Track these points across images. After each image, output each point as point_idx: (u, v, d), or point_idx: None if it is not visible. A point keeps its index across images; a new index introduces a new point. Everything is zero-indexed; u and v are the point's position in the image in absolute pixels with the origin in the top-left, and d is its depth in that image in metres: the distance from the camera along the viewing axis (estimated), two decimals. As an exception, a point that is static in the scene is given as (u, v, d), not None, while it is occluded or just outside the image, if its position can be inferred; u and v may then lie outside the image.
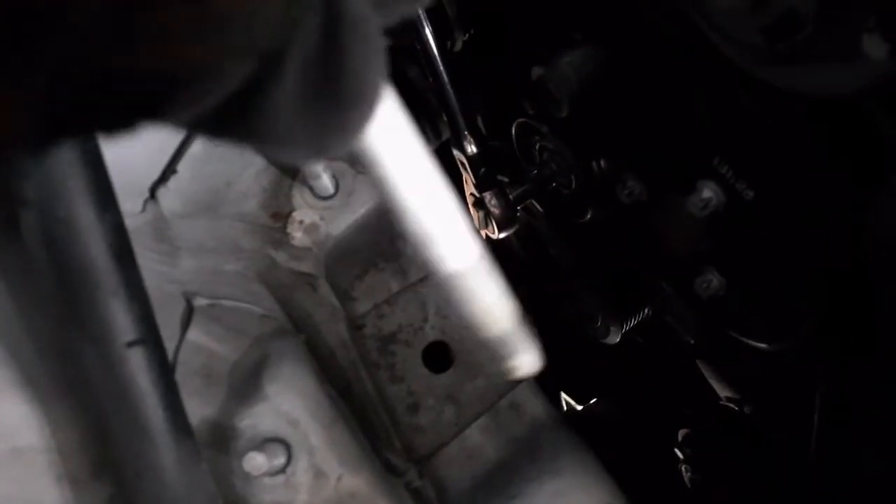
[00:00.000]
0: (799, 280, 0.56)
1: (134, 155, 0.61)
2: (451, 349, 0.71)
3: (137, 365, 0.45)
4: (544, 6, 0.73)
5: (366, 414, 0.64)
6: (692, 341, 0.82)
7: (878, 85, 0.40)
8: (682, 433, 1.01)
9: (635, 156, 0.67)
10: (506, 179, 0.97)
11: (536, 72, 0.76)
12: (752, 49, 0.46)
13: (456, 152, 0.90)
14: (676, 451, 1.01)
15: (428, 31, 0.80)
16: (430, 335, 0.72)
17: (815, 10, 0.39)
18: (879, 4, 0.34)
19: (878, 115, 0.43)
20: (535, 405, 0.68)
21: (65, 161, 0.45)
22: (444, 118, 0.89)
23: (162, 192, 0.63)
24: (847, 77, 0.41)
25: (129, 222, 0.50)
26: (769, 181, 0.53)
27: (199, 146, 0.63)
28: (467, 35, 0.91)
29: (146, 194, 0.63)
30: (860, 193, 0.47)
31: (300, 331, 0.65)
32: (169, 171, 0.63)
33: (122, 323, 0.45)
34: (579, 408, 1.25)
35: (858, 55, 0.38)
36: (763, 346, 0.64)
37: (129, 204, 0.62)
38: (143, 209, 0.63)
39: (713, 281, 0.63)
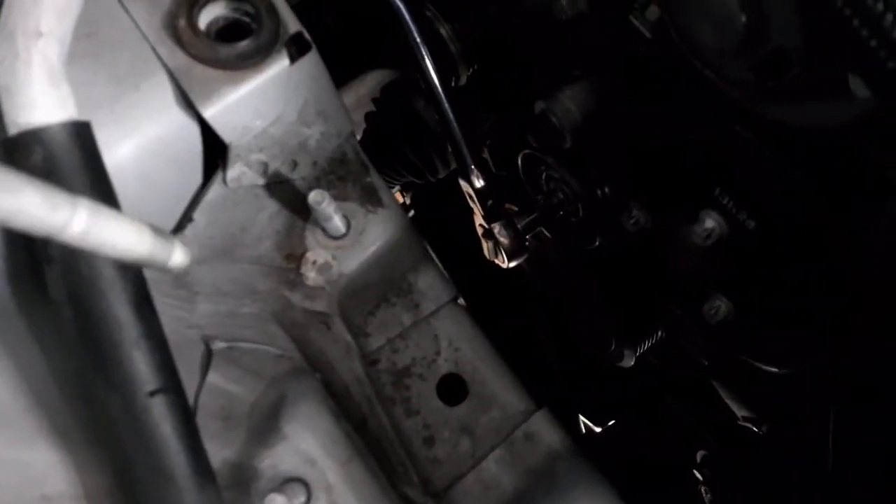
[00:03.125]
0: (803, 306, 0.57)
1: (152, 205, 0.63)
2: (465, 381, 0.72)
3: (160, 413, 0.47)
4: (545, 43, 0.75)
5: (382, 449, 0.65)
6: (706, 363, 0.82)
7: (866, 119, 0.41)
8: (700, 454, 1.01)
9: (639, 186, 0.68)
10: (514, 208, 0.99)
11: (539, 105, 0.78)
12: (745, 85, 0.47)
13: (463, 184, 0.91)
14: (695, 472, 1.00)
15: (431, 68, 0.82)
16: (444, 367, 0.73)
17: (801, 50, 0.40)
18: (857, 51, 0.35)
19: (869, 146, 0.44)
20: (550, 435, 0.69)
21: (86, 219, 0.47)
22: (451, 150, 0.91)
23: (179, 240, 0.65)
24: (837, 112, 0.42)
25: (149, 270, 0.52)
26: (769, 211, 0.54)
27: (214, 194, 0.65)
28: (471, 70, 0.93)
29: (164, 242, 0.65)
30: (858, 221, 0.48)
31: (315, 369, 0.66)
32: (186, 219, 0.65)
33: (144, 373, 0.47)
34: (598, 430, 1.25)
35: (845, 93, 0.40)
36: (773, 369, 0.65)
37: (148, 252, 0.64)
38: (162, 256, 0.65)
39: (721, 307, 0.64)
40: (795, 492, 0.81)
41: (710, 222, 0.58)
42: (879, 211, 0.46)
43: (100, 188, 0.48)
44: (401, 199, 1.51)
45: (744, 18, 0.42)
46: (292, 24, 0.63)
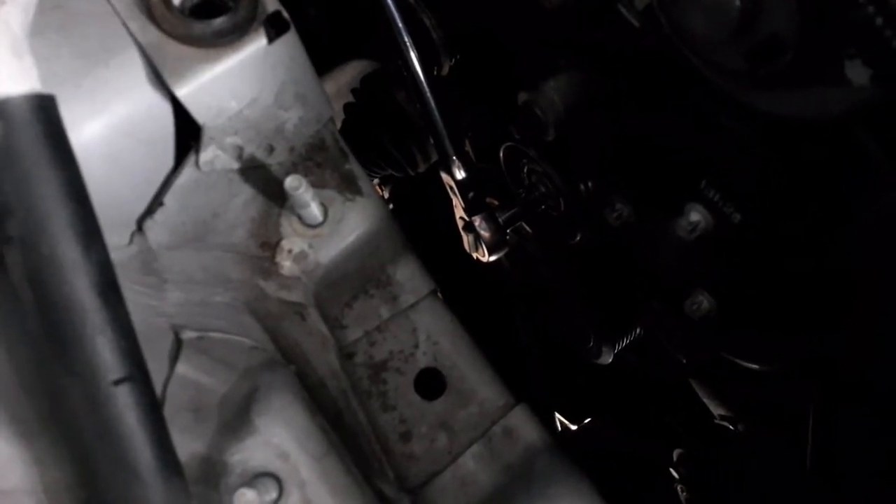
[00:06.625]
0: (788, 302, 0.56)
1: (121, 188, 0.61)
2: (443, 375, 0.71)
3: (124, 403, 0.45)
4: (530, 33, 0.74)
5: (357, 444, 0.64)
6: (684, 360, 0.81)
7: (861, 109, 0.40)
8: (677, 453, 1.01)
9: (622, 179, 0.67)
10: (495, 202, 0.97)
11: (522, 97, 0.77)
12: (736, 74, 0.46)
13: (444, 176, 0.90)
14: (672, 471, 1.00)
15: (413, 57, 0.80)
16: (422, 361, 0.71)
17: (797, 35, 0.39)
18: (860, 31, 0.34)
19: (862, 137, 0.44)
20: (529, 431, 0.68)
21: (49, 197, 0.45)
22: (432, 142, 0.90)
23: (149, 225, 0.63)
24: (831, 101, 0.41)
25: (117, 255, 0.50)
26: (756, 204, 0.53)
27: (186, 178, 0.63)
28: (453, 60, 0.91)
29: (133, 227, 0.63)
30: (846, 216, 0.47)
31: (290, 361, 0.64)
32: (156, 203, 0.62)
33: (109, 360, 0.45)
34: (573, 427, 1.24)
35: (841, 80, 0.39)
36: (755, 367, 0.64)
37: (117, 237, 0.62)
38: (131, 242, 0.62)
39: (703, 302, 0.64)
40: (772, 491, 0.81)
41: (696, 215, 0.57)
42: (870, 205, 0.45)
43: (64, 166, 0.46)
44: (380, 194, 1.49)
45: (738, 3, 0.41)
46: (271, 3, 0.61)
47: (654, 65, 0.58)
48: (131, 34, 0.57)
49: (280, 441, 0.55)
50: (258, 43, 0.60)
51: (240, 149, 0.65)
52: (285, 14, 0.61)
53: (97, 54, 0.56)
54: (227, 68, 0.59)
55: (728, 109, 0.52)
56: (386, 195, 1.47)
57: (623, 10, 0.59)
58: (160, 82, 0.57)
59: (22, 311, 0.46)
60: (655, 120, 0.60)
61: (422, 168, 1.22)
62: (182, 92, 0.57)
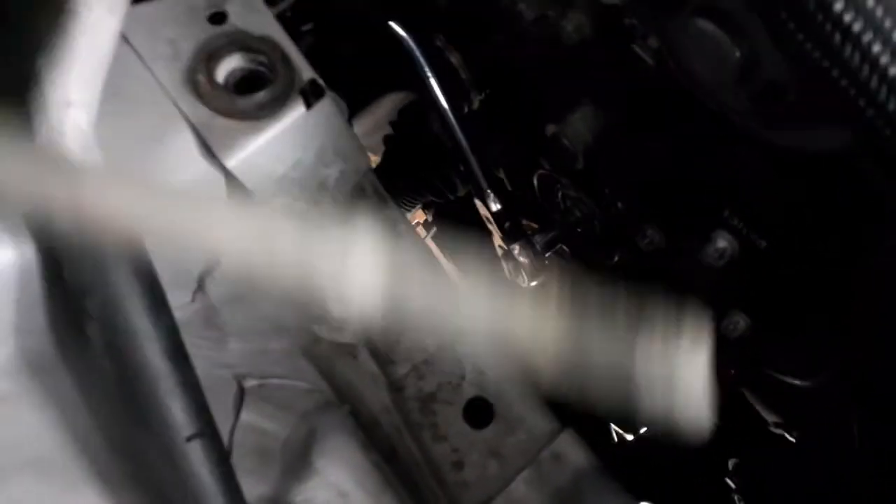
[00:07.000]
0: (819, 321, 0.57)
1: (181, 251, 0.66)
2: (490, 404, 0.74)
3: (197, 457, 0.50)
4: (553, 69, 0.77)
5: (412, 477, 0.67)
6: (732, 372, 0.82)
7: (863, 145, 0.42)
8: (732, 462, 1.01)
9: (651, 207, 0.69)
10: (533, 225, 1.00)
11: (550, 128, 0.79)
12: (743, 113, 0.48)
13: (480, 205, 0.93)
14: (727, 481, 1.00)
15: (442, 99, 0.84)
16: (469, 391, 0.74)
17: (794, 84, 0.41)
18: (839, 95, 0.36)
19: (867, 168, 0.45)
20: (577, 455, 0.70)
21: (121, 276, 0.50)
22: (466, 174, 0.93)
23: (209, 282, 0.68)
24: (832, 138, 0.43)
25: (181, 314, 0.55)
26: (778, 231, 0.54)
27: (239, 238, 0.68)
28: (483, 94, 0.95)
29: (195, 285, 0.68)
30: (865, 240, 0.48)
31: (343, 401, 0.68)
32: (214, 262, 0.68)
33: (181, 419, 0.50)
34: (630, 437, 1.25)
35: (840, 120, 0.40)
36: (796, 382, 0.65)
37: (180, 295, 0.67)
38: (193, 300, 0.67)
39: (740, 322, 0.65)
40: (830, 498, 0.81)
41: (723, 242, 0.59)
42: (879, 232, 0.46)
43: (132, 246, 0.51)
44: (423, 217, 1.53)
45: (738, 54, 0.43)
46: (306, 72, 0.66)
47: (671, 99, 0.60)
48: (182, 113, 0.62)
49: (338, 480, 0.59)
50: (298, 111, 0.64)
51: (287, 207, 0.69)
52: (320, 81, 0.66)
53: (153, 135, 0.61)
54: (271, 137, 0.63)
55: (742, 141, 0.54)
56: (429, 219, 1.51)
57: (637, 50, 0.61)
58: (211, 155, 0.62)
59: (105, 378, 0.52)
60: (675, 151, 0.62)
61: (461, 193, 1.26)
62: (231, 164, 0.62)
